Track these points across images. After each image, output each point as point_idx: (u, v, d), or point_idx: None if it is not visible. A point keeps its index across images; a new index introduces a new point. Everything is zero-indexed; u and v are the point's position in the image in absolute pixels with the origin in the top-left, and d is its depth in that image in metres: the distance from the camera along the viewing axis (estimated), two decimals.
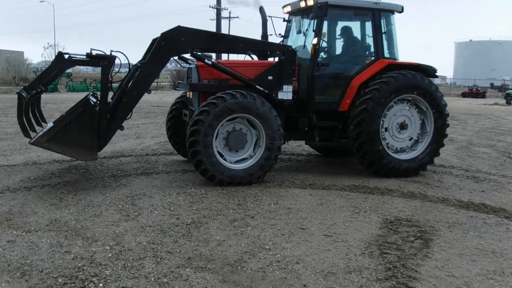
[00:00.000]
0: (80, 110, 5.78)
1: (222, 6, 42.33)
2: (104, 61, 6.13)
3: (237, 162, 6.62)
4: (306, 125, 7.38)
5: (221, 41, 7.02)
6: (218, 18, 41.26)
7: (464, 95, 41.43)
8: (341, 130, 7.43)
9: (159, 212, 5.22)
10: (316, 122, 7.36)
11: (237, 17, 58.31)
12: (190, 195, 5.94)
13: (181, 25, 6.52)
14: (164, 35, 6.45)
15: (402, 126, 7.50)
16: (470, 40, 76.77)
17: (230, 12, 49.37)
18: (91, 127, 5.83)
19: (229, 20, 50.32)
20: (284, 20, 8.32)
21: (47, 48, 57.23)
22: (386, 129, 7.41)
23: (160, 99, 26.22)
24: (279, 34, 8.22)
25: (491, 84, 52.90)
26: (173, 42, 6.47)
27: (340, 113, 7.40)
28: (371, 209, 5.67)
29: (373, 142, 7.16)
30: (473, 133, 13.78)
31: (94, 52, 6.15)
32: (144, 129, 12.73)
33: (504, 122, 17.72)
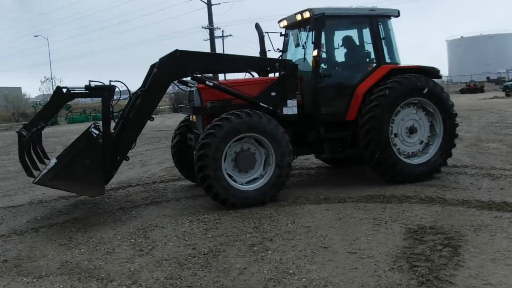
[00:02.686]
0: (83, 144, 5.64)
1: (215, 25, 42.58)
2: (104, 92, 6.01)
3: (248, 182, 6.44)
4: (315, 138, 7.23)
5: (221, 62, 6.93)
6: (212, 38, 41.44)
7: (462, 91, 41.38)
8: (350, 140, 7.27)
9: (173, 244, 5.03)
10: (324, 134, 7.20)
11: (230, 35, 58.52)
12: (204, 222, 5.75)
13: (178, 48, 6.43)
14: (162, 60, 6.36)
15: (412, 130, 7.34)
16: (462, 37, 77.12)
17: (223, 31, 49.74)
18: (96, 161, 5.68)
19: (223, 39, 50.67)
20: (281, 34, 8.24)
21: (44, 81, 57.60)
22: (395, 135, 7.26)
23: (161, 123, 26.10)
24: (277, 49, 8.13)
25: (488, 78, 52.97)
26: (172, 66, 6.36)
27: (348, 123, 7.25)
28: (392, 219, 5.47)
29: (384, 149, 6.99)
30: (479, 129, 13.60)
31: (93, 84, 6.04)
32: (149, 156, 12.57)
33: (507, 115, 17.54)
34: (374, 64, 7.43)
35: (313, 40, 7.02)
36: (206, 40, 41.99)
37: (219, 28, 46.95)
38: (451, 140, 7.50)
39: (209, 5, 40.63)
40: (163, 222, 5.85)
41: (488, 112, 19.67)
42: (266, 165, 6.49)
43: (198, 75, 6.64)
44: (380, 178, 7.27)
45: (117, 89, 6.48)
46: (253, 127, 6.23)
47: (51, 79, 56.99)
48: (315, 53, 6.96)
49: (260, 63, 7.42)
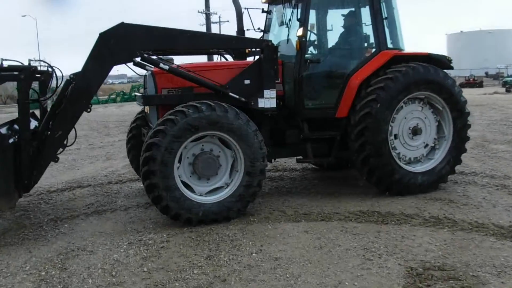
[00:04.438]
0: None
1: (212, 10, 40.87)
2: (20, 75, 4.64)
3: (209, 193, 5.14)
4: (296, 138, 5.93)
5: (179, 39, 5.50)
6: (208, 23, 39.84)
7: (461, 85, 40.49)
8: (340, 141, 5.98)
9: (94, 281, 3.73)
10: (308, 134, 5.90)
11: (228, 21, 55.68)
12: (146, 246, 4.45)
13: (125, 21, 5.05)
14: (103, 36, 4.95)
15: (415, 131, 6.07)
16: (461, 32, 76.22)
17: (220, 17, 47.87)
18: (4, 165, 4.34)
19: (219, 25, 48.73)
20: (263, 11, 6.89)
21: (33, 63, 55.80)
22: (395, 136, 5.99)
23: None
24: (258, 29, 6.80)
25: (486, 73, 52.47)
26: (115, 44, 4.97)
27: (338, 121, 5.95)
28: (388, 251, 4.21)
29: (380, 154, 5.73)
30: (483, 128, 12.48)
31: (6, 64, 4.65)
32: (118, 148, 11.23)
33: (511, 112, 16.47)
34: (373, 50, 6.11)
35: (298, 17, 5.68)
36: (202, 25, 40.40)
37: (216, 13, 45.14)
38: (461, 144, 6.25)
39: None
40: (95, 244, 4.54)
41: (490, 108, 18.72)
42: (233, 171, 5.19)
43: (153, 56, 5.28)
44: (375, 188, 6.02)
45: (59, 74, 5.23)
46: (216, 124, 4.91)
47: (39, 60, 55.21)
48: (300, 32, 5.60)
49: (229, 43, 6.03)
